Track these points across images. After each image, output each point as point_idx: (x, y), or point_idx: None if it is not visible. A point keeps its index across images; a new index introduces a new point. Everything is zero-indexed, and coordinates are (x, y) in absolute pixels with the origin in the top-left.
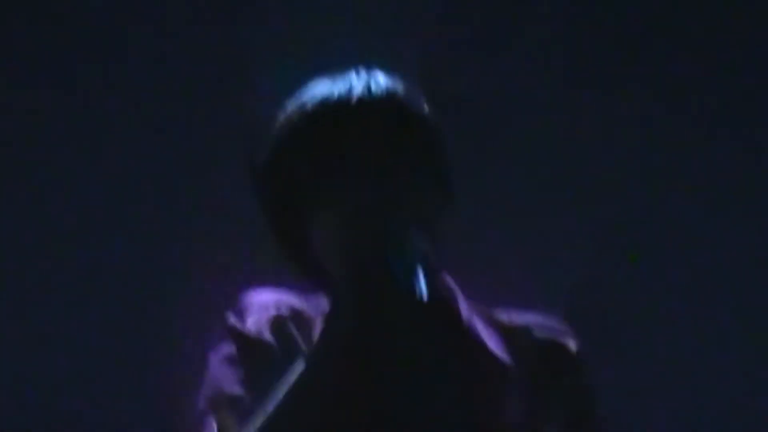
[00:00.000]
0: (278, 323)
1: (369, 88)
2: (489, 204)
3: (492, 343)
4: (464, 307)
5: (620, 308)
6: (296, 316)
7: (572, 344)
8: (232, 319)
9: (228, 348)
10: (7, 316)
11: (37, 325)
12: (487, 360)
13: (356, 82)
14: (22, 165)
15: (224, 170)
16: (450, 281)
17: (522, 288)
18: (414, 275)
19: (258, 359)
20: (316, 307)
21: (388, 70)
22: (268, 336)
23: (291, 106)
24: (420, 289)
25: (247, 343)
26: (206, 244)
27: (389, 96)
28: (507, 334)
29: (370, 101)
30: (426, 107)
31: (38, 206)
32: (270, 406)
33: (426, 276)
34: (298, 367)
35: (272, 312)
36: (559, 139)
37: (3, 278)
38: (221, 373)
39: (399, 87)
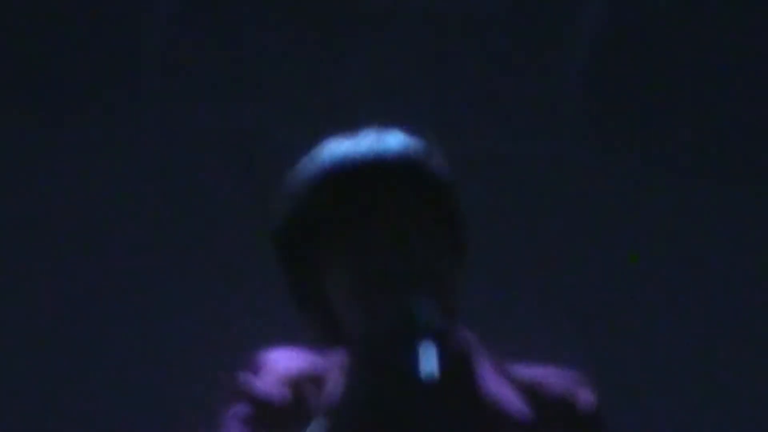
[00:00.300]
0: (293, 383)
1: (383, 146)
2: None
3: (508, 397)
4: (481, 363)
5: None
6: (311, 374)
7: (588, 397)
8: (247, 379)
9: (242, 408)
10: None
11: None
12: (503, 415)
13: (371, 140)
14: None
15: (241, 229)
16: (468, 336)
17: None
18: (423, 356)
19: (272, 420)
20: (332, 364)
21: (404, 130)
22: (282, 396)
23: (306, 163)
24: (430, 369)
25: (261, 404)
26: (222, 302)
27: (403, 153)
28: (523, 387)
29: (384, 158)
30: (442, 166)
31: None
32: None
33: (438, 348)
34: (314, 427)
35: (287, 371)
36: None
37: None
38: None
39: (414, 145)
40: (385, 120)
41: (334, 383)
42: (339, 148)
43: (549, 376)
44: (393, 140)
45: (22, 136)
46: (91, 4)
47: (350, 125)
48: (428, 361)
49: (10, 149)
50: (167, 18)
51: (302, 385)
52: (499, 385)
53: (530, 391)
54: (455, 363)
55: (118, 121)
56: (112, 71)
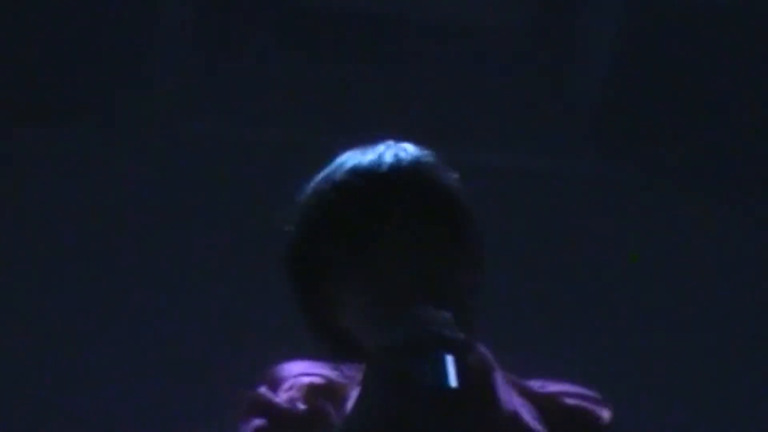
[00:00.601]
0: (311, 395)
1: (398, 158)
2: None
3: (525, 413)
4: (498, 378)
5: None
6: (329, 388)
7: (605, 414)
8: (264, 391)
9: (259, 421)
10: None
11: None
12: (519, 430)
13: (385, 153)
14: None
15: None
16: (484, 351)
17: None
18: (442, 367)
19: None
20: (350, 377)
21: (416, 142)
22: (300, 408)
23: (320, 176)
24: (447, 381)
25: (279, 416)
26: (237, 312)
27: (418, 166)
28: (539, 402)
29: (399, 170)
30: (455, 178)
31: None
32: None
33: (456, 360)
34: None
35: (305, 383)
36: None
37: None
38: None
39: (428, 158)
40: (397, 131)
41: (352, 395)
42: (352, 161)
43: (564, 392)
44: (407, 153)
45: (35, 141)
46: (105, 18)
47: (362, 135)
48: (445, 373)
49: (22, 153)
50: (177, 30)
51: (319, 399)
52: (514, 400)
53: (545, 408)
54: (472, 376)
55: (127, 128)
56: (122, 81)
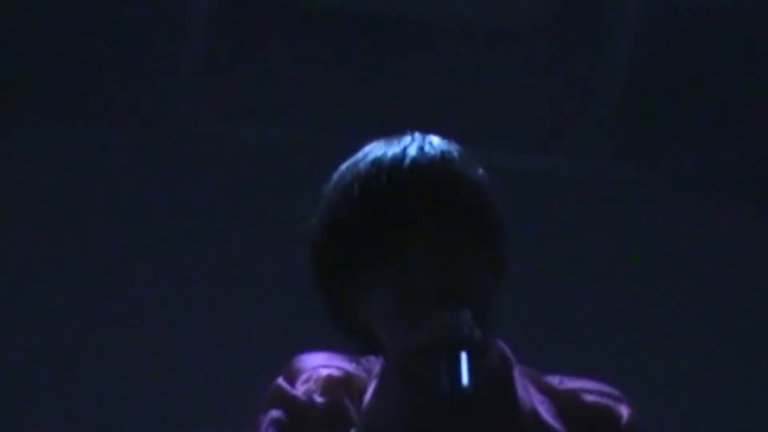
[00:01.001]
0: (328, 387)
1: (423, 151)
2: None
3: (543, 409)
4: (518, 376)
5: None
6: (347, 380)
7: (625, 411)
8: (283, 383)
9: (277, 412)
10: None
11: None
12: (539, 429)
13: (410, 145)
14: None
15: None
16: (504, 348)
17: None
18: (457, 367)
19: (308, 425)
20: (368, 370)
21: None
22: (317, 400)
23: (344, 167)
24: (463, 383)
25: (297, 408)
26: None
27: (443, 158)
28: (558, 399)
29: (423, 163)
30: (481, 172)
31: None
32: None
33: (472, 358)
34: None
35: (323, 376)
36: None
37: None
38: None
39: (454, 150)
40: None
41: (371, 388)
42: (376, 151)
43: (586, 389)
44: (432, 147)
45: (35, 141)
46: (105, 18)
47: (364, 136)
48: (459, 374)
49: (22, 153)
50: (178, 31)
51: (339, 391)
52: (533, 397)
53: (564, 404)
54: (492, 376)
55: (128, 128)
56: (123, 81)
